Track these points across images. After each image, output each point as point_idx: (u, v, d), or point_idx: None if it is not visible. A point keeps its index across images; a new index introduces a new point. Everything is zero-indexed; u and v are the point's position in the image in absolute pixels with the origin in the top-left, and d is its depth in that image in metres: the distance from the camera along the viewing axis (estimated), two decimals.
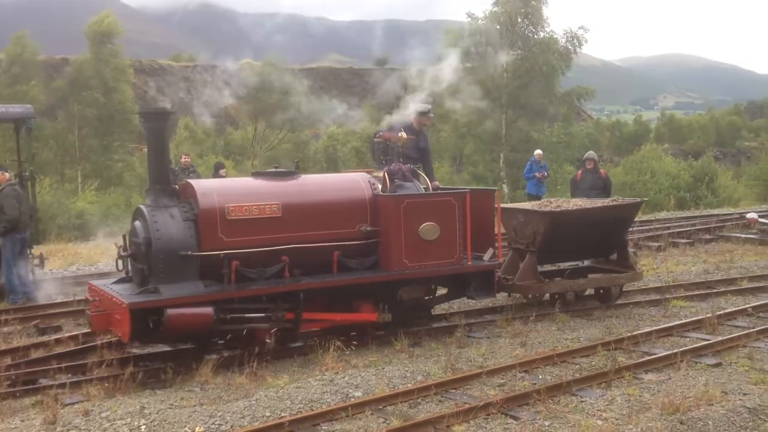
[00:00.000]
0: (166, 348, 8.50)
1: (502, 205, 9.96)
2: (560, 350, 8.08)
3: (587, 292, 10.90)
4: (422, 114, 9.87)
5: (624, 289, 10.85)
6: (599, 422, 6.11)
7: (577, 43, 39.36)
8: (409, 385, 7.03)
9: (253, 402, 6.62)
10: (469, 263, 8.90)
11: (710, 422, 6.01)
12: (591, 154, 14.48)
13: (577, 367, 7.65)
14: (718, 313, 9.40)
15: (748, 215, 17.68)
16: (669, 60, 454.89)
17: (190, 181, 8.34)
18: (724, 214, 21.25)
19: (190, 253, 7.70)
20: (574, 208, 10.45)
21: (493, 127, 38.37)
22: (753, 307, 9.78)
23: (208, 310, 7.52)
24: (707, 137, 61.23)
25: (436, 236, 8.58)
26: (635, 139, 58.97)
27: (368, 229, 8.50)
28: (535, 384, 6.98)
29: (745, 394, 6.67)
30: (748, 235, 16.05)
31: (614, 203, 11.01)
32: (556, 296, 10.48)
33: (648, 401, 6.54)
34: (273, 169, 8.73)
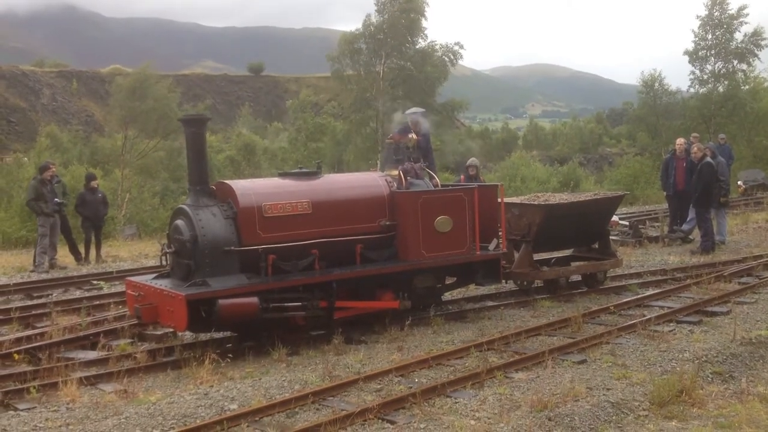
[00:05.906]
0: (28, 368, 8.08)
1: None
2: (435, 353, 8.21)
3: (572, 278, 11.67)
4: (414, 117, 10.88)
5: (490, 293, 11.33)
6: (472, 422, 6.25)
7: (453, 57, 40.56)
8: (287, 394, 6.96)
9: (123, 420, 6.38)
10: (478, 252, 9.73)
11: (576, 417, 6.26)
12: (473, 161, 14.93)
13: (452, 369, 7.80)
14: (583, 312, 9.82)
15: None
16: (536, 70, 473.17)
17: (227, 181, 8.93)
18: None
19: (232, 248, 8.34)
20: (565, 201, 11.22)
21: (371, 135, 38.80)
22: (615, 306, 10.23)
23: (254, 299, 8.17)
24: (572, 144, 64.05)
25: (449, 228, 9.41)
26: (504, 146, 61.20)
27: (387, 223, 9.28)
28: (411, 387, 7.06)
29: (608, 389, 6.97)
30: (610, 237, 16.75)
31: (600, 196, 11.91)
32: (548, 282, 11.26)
33: (518, 399, 6.75)
34: (298, 170, 9.44)
